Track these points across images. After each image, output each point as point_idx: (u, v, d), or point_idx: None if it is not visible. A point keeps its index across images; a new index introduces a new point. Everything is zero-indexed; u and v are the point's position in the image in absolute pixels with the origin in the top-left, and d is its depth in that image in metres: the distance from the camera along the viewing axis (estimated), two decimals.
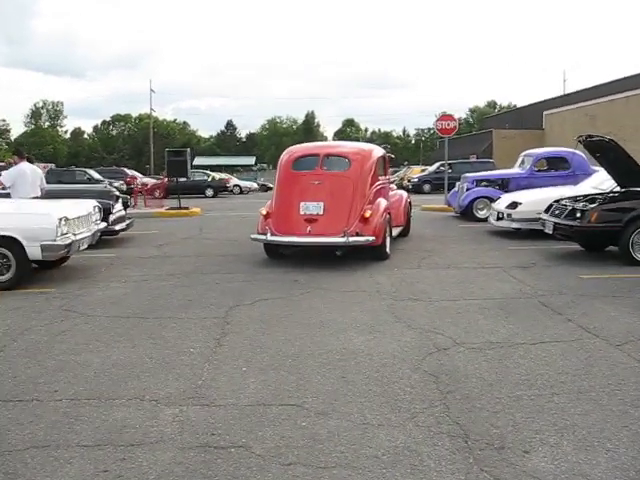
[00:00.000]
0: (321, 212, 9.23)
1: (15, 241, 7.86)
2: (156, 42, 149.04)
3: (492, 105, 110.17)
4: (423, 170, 39.07)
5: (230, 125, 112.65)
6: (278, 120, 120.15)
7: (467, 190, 15.95)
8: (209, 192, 35.68)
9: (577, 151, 13.15)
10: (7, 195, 10.23)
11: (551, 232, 9.74)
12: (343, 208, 9.27)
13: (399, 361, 4.93)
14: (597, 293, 7.17)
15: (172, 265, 9.67)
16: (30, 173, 10.48)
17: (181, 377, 4.67)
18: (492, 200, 14.17)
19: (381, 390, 4.33)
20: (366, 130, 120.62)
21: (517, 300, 6.93)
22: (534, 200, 11.77)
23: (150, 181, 35.83)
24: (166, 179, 25.39)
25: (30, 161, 11.10)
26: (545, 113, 45.07)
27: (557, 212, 9.77)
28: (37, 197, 10.26)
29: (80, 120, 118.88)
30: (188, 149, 19.90)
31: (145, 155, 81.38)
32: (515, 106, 76.78)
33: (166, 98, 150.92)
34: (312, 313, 6.51)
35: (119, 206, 12.55)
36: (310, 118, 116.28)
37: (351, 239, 8.97)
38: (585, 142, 9.94)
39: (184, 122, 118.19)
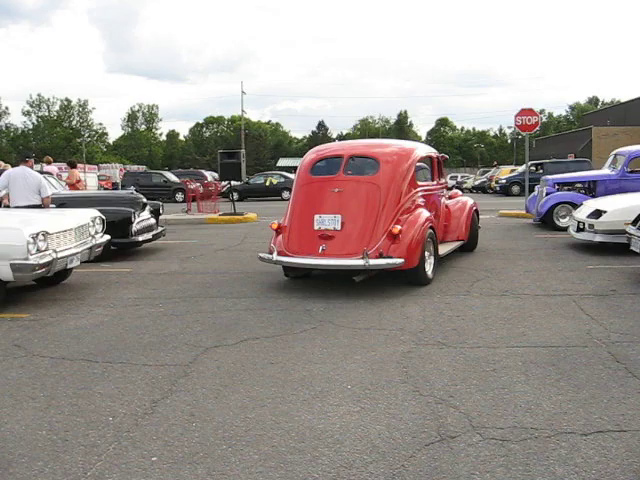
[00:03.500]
0: (338, 227, 7.47)
1: None
2: (256, 45, 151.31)
3: (594, 101, 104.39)
4: (512, 171, 36.47)
5: (322, 126, 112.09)
6: (370, 120, 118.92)
7: (547, 194, 13.85)
8: (285, 194, 34.50)
9: None
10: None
11: (638, 251, 7.75)
12: (366, 222, 7.48)
13: (375, 458, 3.34)
14: None
15: (179, 285, 8.36)
16: (21, 179, 9.36)
17: (62, 469, 3.30)
18: (575, 206, 12.10)
19: None
20: (462, 129, 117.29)
21: (580, 350, 5.12)
22: (623, 208, 9.69)
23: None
24: (221, 182, 24.35)
25: (36, 162, 10.06)
26: None
27: None
28: (32, 205, 9.17)
29: (178, 123, 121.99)
30: (243, 151, 18.69)
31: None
32: (619, 102, 71.74)
33: (263, 100, 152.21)
34: (299, 363, 4.99)
35: (145, 214, 11.42)
36: (403, 117, 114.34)
37: (372, 262, 7.12)
38: None
39: (277, 123, 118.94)
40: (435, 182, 9.34)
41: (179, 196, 33.24)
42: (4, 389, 4.58)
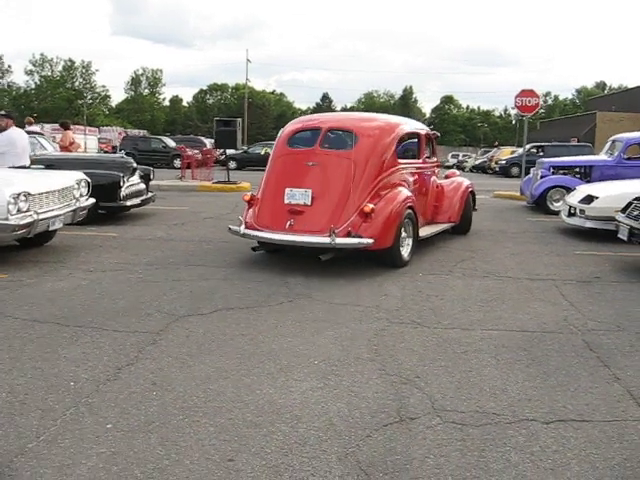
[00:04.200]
0: (308, 202, 7.15)
1: None
2: (266, 13, 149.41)
3: (601, 86, 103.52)
4: (513, 152, 36.24)
5: (326, 98, 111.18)
6: (375, 94, 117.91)
7: (541, 177, 13.72)
8: None
9: None
10: None
11: (625, 238, 7.67)
12: (337, 198, 7.15)
13: (331, 436, 3.30)
14: None
15: (162, 252, 8.30)
16: (20, 140, 9.30)
17: (16, 432, 3.27)
18: (570, 190, 11.99)
19: None
20: (467, 107, 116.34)
21: (554, 336, 5.07)
22: (615, 195, 9.58)
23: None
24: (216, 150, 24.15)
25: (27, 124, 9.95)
26: None
27: (636, 213, 7.68)
28: (25, 166, 9.07)
29: (182, 88, 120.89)
30: (239, 119, 18.47)
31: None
32: (626, 88, 71.07)
33: (269, 69, 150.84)
34: (270, 336, 4.94)
35: (135, 179, 11.29)
36: (408, 93, 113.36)
37: (339, 240, 6.80)
38: None
39: (281, 93, 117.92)
40: (421, 160, 8.91)
41: (177, 162, 33.00)
42: None
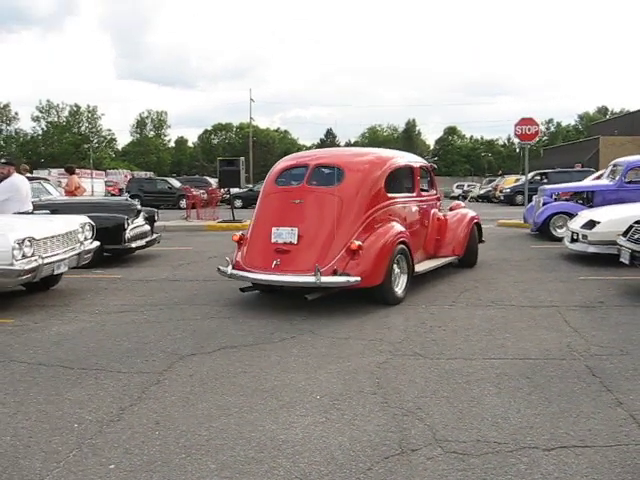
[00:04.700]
0: (295, 241, 7.04)
1: None
2: (266, 52, 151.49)
3: (603, 111, 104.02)
4: (517, 180, 36.34)
5: (330, 133, 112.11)
6: (378, 128, 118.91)
7: (544, 204, 13.78)
8: None
9: None
10: None
11: (627, 262, 7.69)
12: (324, 236, 7.01)
13: (332, 470, 3.31)
14: None
15: (166, 293, 8.36)
16: (22, 186, 9.48)
17: (19, 475, 3.31)
18: (572, 216, 12.02)
19: None
20: (471, 138, 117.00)
21: (557, 363, 5.06)
22: (616, 219, 9.62)
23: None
24: (220, 190, 24.37)
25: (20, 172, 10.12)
26: None
27: (637, 236, 7.71)
28: (28, 212, 9.22)
29: (187, 129, 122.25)
30: (242, 158, 18.72)
31: (245, 164, 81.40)
32: (628, 111, 71.45)
33: (273, 107, 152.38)
34: (273, 372, 4.96)
35: (140, 221, 11.43)
36: (411, 126, 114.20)
37: (324, 279, 6.62)
38: None
39: (285, 131, 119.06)
40: (415, 193, 8.67)
41: (184, 203, 33.28)
42: None
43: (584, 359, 5.13)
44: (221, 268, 7.51)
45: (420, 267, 8.20)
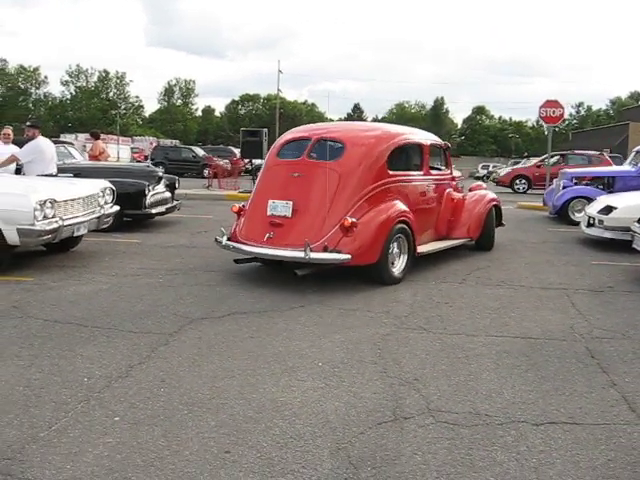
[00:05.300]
0: (289, 214, 6.96)
1: None
2: (298, 23, 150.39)
3: (635, 97, 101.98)
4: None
5: (357, 108, 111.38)
6: (406, 105, 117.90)
7: (563, 188, 13.71)
8: None
9: None
10: (18, 171, 9.46)
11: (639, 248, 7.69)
12: (318, 211, 6.90)
13: (326, 432, 3.45)
14: None
15: (183, 258, 8.54)
16: (47, 148, 9.66)
17: (30, 422, 3.48)
18: (592, 201, 11.96)
19: None
20: (500, 118, 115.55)
21: (557, 343, 5.15)
22: (634, 205, 9.60)
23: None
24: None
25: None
26: None
27: None
28: (52, 174, 9.41)
29: (215, 99, 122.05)
30: (265, 129, 18.81)
31: (270, 135, 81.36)
32: None
33: (302, 80, 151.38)
34: (278, 338, 5.11)
35: (160, 187, 11.60)
36: (439, 104, 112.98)
37: (314, 255, 6.53)
38: None
39: (312, 104, 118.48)
40: (422, 172, 8.36)
41: (207, 171, 33.50)
42: None
43: (585, 341, 5.20)
44: (218, 239, 7.51)
45: (424, 248, 8.01)
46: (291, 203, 7.02)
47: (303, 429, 3.49)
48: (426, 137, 8.91)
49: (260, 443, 3.32)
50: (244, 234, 7.28)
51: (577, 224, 12.33)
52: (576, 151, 28.17)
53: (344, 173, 7.09)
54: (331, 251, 6.68)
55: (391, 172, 7.53)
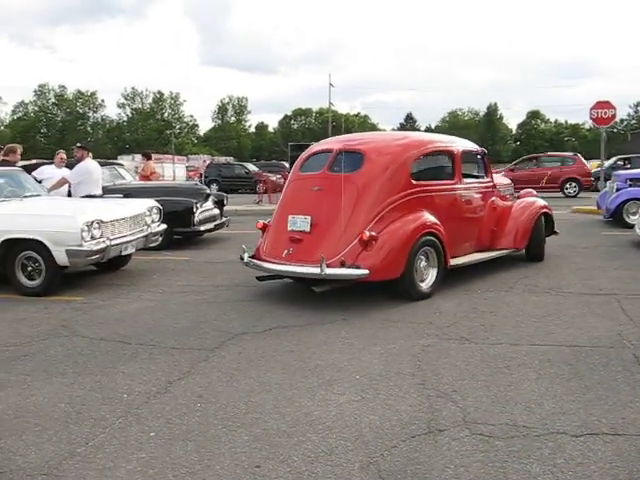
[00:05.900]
0: (307, 229, 6.77)
1: (43, 245, 7.25)
2: (347, 35, 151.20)
3: None
4: (599, 165, 35.02)
5: (410, 118, 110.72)
6: (459, 112, 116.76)
7: (617, 190, 13.31)
8: None
9: None
10: (68, 193, 9.77)
11: None
12: (337, 225, 6.64)
13: (358, 446, 3.43)
14: None
15: (229, 274, 8.63)
16: (95, 170, 9.97)
17: (69, 438, 3.58)
18: None
19: None
20: (555, 121, 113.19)
21: (604, 350, 4.98)
22: None
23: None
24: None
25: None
26: None
27: None
28: (97, 195, 9.69)
29: (267, 114, 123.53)
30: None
31: None
32: None
33: (354, 92, 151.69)
34: (318, 352, 5.11)
35: (209, 205, 11.79)
36: (492, 110, 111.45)
37: (329, 271, 6.29)
38: None
39: (365, 115, 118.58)
40: (454, 180, 7.84)
41: (259, 187, 33.83)
42: (41, 365, 4.95)
43: (634, 348, 5.02)
44: (241, 256, 7.39)
45: (459, 260, 7.58)
46: (309, 218, 6.83)
47: (335, 443, 3.47)
48: (459, 144, 8.34)
49: (291, 457, 3.32)
50: (266, 251, 7.16)
51: (632, 227, 11.95)
52: (549, 153, 27.88)
53: (363, 185, 6.84)
54: (349, 266, 6.43)
55: (415, 182, 7.20)
